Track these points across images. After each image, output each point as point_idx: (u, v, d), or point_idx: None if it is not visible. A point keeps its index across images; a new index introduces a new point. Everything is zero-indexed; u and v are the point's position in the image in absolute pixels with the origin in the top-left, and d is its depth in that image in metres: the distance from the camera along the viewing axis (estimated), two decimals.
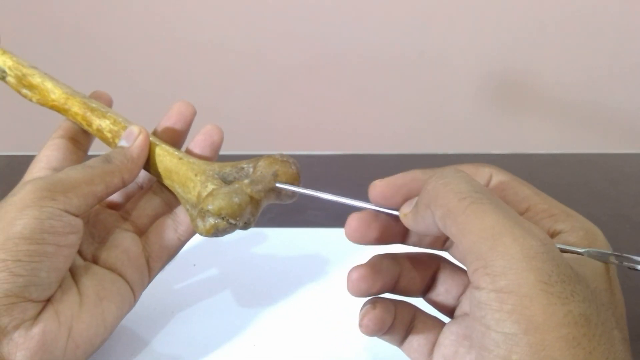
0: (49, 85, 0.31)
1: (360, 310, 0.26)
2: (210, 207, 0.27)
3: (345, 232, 0.26)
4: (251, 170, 0.30)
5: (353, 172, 0.59)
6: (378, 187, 0.25)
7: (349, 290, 0.26)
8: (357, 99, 0.98)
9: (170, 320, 0.35)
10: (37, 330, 0.25)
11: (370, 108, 0.98)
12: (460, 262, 0.27)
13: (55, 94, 0.31)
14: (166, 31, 0.93)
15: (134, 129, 0.31)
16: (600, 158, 0.64)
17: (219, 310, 0.36)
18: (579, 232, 0.22)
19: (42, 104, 0.32)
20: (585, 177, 0.59)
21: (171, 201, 0.33)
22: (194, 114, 0.33)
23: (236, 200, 0.27)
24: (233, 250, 0.43)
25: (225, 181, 0.30)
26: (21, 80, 0.32)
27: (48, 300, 0.27)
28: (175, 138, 0.33)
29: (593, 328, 0.18)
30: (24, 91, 0.32)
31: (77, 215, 0.27)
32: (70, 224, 0.27)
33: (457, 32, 0.92)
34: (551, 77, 0.95)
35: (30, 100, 0.32)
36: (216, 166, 0.30)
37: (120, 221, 0.33)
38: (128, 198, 0.34)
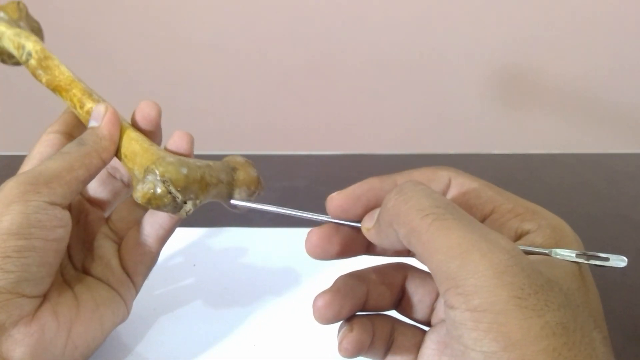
0: (62, 68, 0.32)
1: (338, 333, 0.25)
2: (156, 168, 0.26)
3: (306, 249, 0.25)
4: (213, 163, 0.29)
5: (353, 172, 0.59)
6: (335, 200, 0.24)
7: (315, 318, 0.25)
8: (358, 99, 0.98)
9: (170, 319, 0.35)
10: (35, 327, 0.25)
11: (370, 108, 0.98)
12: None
13: (64, 75, 0.32)
14: (166, 31, 0.93)
15: (101, 108, 0.30)
16: (600, 158, 0.64)
17: (219, 309, 0.36)
18: (546, 231, 0.22)
19: (49, 85, 0.32)
20: (585, 177, 0.59)
21: None
22: (160, 113, 0.32)
23: (184, 171, 0.26)
24: (233, 250, 0.43)
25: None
26: (41, 62, 0.32)
27: (44, 299, 0.27)
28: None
29: (572, 335, 0.18)
30: (39, 72, 0.32)
31: (63, 207, 0.27)
32: (56, 217, 0.26)
33: (457, 33, 0.92)
34: (551, 77, 0.95)
35: (40, 81, 0.32)
36: (178, 157, 0.29)
37: (106, 227, 0.32)
38: (115, 195, 0.34)
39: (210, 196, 0.28)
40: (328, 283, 0.40)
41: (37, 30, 0.36)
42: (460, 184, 0.24)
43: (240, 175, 0.28)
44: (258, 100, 0.98)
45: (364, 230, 0.24)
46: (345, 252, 0.25)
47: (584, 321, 0.18)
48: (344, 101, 0.97)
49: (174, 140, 0.30)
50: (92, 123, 0.30)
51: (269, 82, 0.96)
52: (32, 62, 0.32)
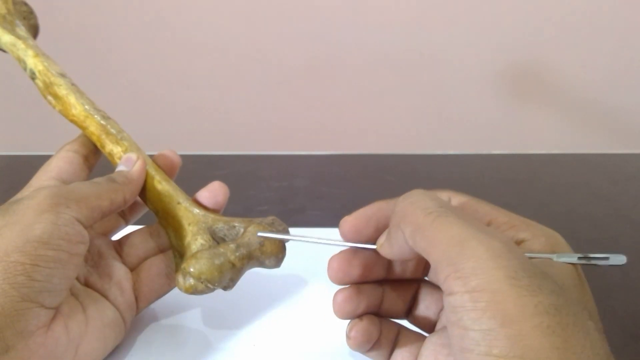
0: (72, 99, 0.32)
1: (348, 324, 0.27)
2: (191, 270, 0.28)
3: (329, 275, 0.26)
4: (241, 231, 0.31)
5: (353, 172, 0.59)
6: (348, 222, 0.26)
7: (335, 312, 0.26)
8: (358, 99, 0.98)
9: (170, 320, 0.35)
10: (50, 340, 0.25)
11: (370, 108, 0.98)
12: (434, 281, 0.28)
13: (77, 109, 0.32)
14: (166, 31, 0.93)
15: (132, 155, 0.32)
16: (600, 158, 0.64)
17: (219, 310, 0.36)
18: (541, 239, 0.23)
19: (64, 116, 0.32)
20: (585, 177, 0.59)
21: (165, 248, 0.34)
22: (227, 198, 0.34)
23: (217, 267, 0.29)
24: None
25: (215, 237, 0.31)
26: (48, 87, 0.32)
27: (57, 312, 0.27)
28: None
29: (565, 318, 0.19)
30: (49, 98, 0.32)
31: (85, 226, 0.28)
32: (80, 233, 0.27)
33: (457, 33, 0.92)
34: (552, 77, 0.95)
35: (54, 108, 0.32)
36: (210, 219, 0.31)
37: (112, 249, 0.33)
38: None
39: (244, 272, 0.30)
40: (327, 284, 0.40)
41: (28, 15, 0.35)
42: (459, 201, 0.26)
43: (268, 248, 0.30)
44: (258, 100, 0.98)
45: (378, 247, 0.25)
46: (366, 274, 0.27)
47: (578, 311, 0.19)
48: (344, 101, 0.97)
49: (214, 188, 0.33)
50: (121, 167, 0.32)
51: (269, 82, 0.96)
52: (39, 83, 0.32)
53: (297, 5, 0.90)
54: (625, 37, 0.92)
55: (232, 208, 0.48)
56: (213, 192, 0.33)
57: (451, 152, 0.65)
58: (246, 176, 0.57)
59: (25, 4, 0.35)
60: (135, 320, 0.33)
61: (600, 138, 0.99)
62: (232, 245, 0.30)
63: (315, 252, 0.41)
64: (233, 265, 0.29)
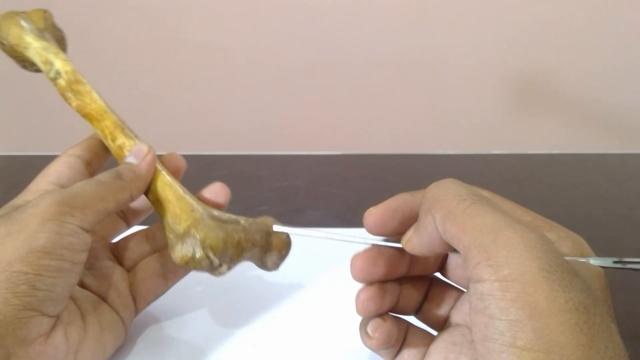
0: (95, 95, 0.33)
1: (367, 324, 0.26)
2: (196, 233, 0.27)
3: (352, 274, 0.26)
4: (247, 224, 0.30)
5: (353, 172, 0.59)
6: (373, 214, 0.25)
7: (357, 311, 0.26)
8: (357, 100, 0.98)
9: (170, 320, 0.35)
10: (50, 348, 0.25)
11: (370, 108, 0.98)
12: (451, 280, 0.28)
13: (97, 104, 0.32)
14: (165, 31, 0.93)
15: (143, 147, 0.31)
16: (600, 158, 0.64)
17: (219, 310, 0.36)
18: (567, 242, 0.23)
19: (79, 110, 0.33)
20: (585, 177, 0.59)
21: (160, 250, 0.34)
22: (228, 197, 0.33)
23: (223, 236, 0.28)
24: None
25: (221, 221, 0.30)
26: (71, 84, 0.32)
27: (57, 320, 0.27)
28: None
29: (592, 317, 0.18)
30: (68, 94, 0.33)
31: (88, 232, 0.27)
32: (84, 242, 0.27)
33: (457, 33, 0.92)
34: (551, 77, 0.95)
35: (70, 104, 0.33)
36: (215, 211, 0.31)
37: (108, 251, 0.33)
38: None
39: (244, 258, 0.29)
40: (327, 283, 0.40)
41: (60, 40, 0.36)
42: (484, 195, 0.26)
43: (274, 240, 0.30)
44: (258, 100, 0.98)
45: (404, 243, 0.25)
46: (390, 272, 0.26)
47: (603, 312, 0.19)
48: (344, 101, 0.97)
49: (215, 189, 0.32)
50: (130, 159, 0.31)
51: (268, 82, 0.96)
52: (61, 82, 0.33)
53: (297, 6, 0.90)
54: (624, 38, 0.92)
55: (232, 208, 0.48)
56: (214, 194, 0.32)
57: (451, 152, 0.65)
58: (246, 176, 0.57)
59: (61, 30, 0.37)
60: (135, 321, 0.33)
61: (600, 138, 0.99)
62: (242, 223, 0.29)
63: (315, 251, 0.41)
64: (238, 242, 0.28)
